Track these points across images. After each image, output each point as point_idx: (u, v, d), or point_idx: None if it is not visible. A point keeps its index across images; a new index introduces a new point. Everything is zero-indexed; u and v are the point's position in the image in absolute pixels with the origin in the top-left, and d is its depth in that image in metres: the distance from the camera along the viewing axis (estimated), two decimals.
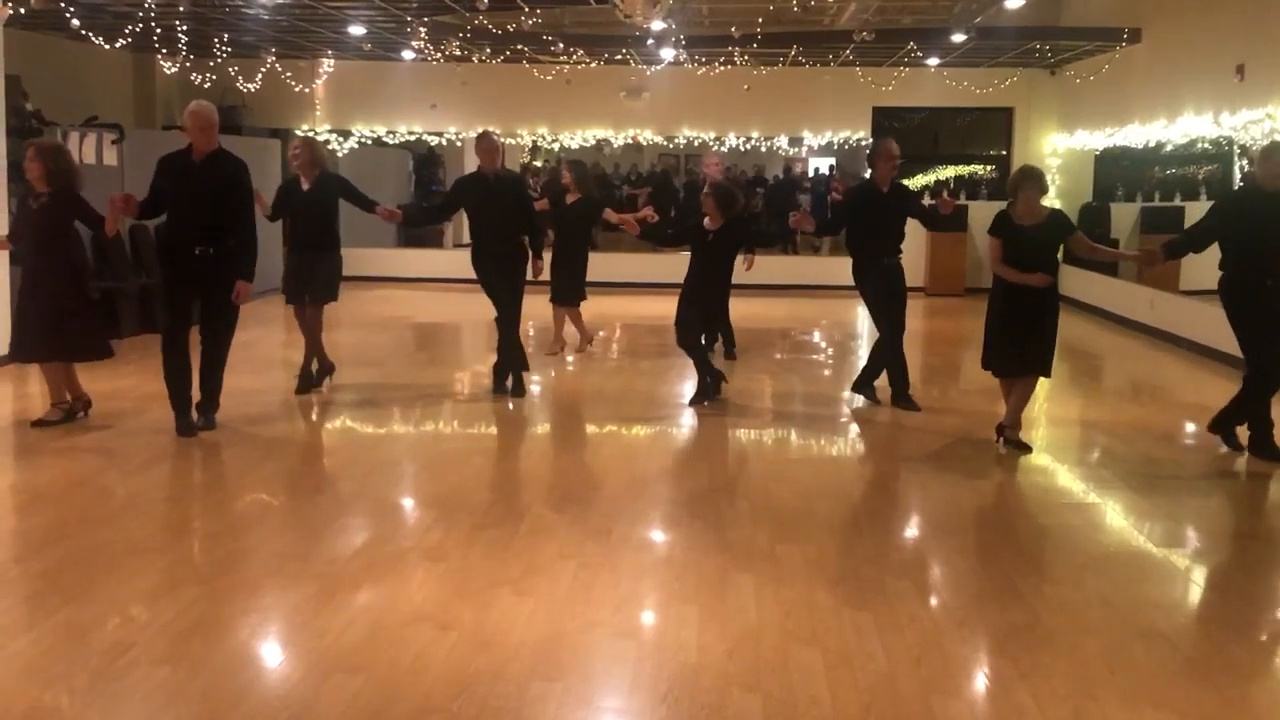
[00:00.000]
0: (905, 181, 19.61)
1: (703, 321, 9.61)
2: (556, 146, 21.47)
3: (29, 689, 4.16)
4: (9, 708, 4.02)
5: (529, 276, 9.74)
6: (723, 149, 20.96)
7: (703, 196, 9.49)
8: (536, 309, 11.57)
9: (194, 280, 8.07)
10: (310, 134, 19.46)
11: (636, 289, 16.26)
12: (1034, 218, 7.89)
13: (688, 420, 9.28)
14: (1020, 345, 7.92)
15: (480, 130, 10.03)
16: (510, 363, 9.75)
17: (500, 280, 9.56)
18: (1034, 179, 7.95)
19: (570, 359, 11.69)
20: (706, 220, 9.30)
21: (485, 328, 13.97)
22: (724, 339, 11.76)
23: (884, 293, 9.32)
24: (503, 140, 10.12)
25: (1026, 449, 8.04)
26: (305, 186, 9.55)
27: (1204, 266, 8.33)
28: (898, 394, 9.43)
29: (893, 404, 9.41)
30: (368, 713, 4.01)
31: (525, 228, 9.71)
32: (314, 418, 9.14)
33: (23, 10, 12.04)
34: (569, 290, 11.61)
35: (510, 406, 9.52)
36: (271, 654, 4.62)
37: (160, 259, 8.38)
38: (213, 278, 8.04)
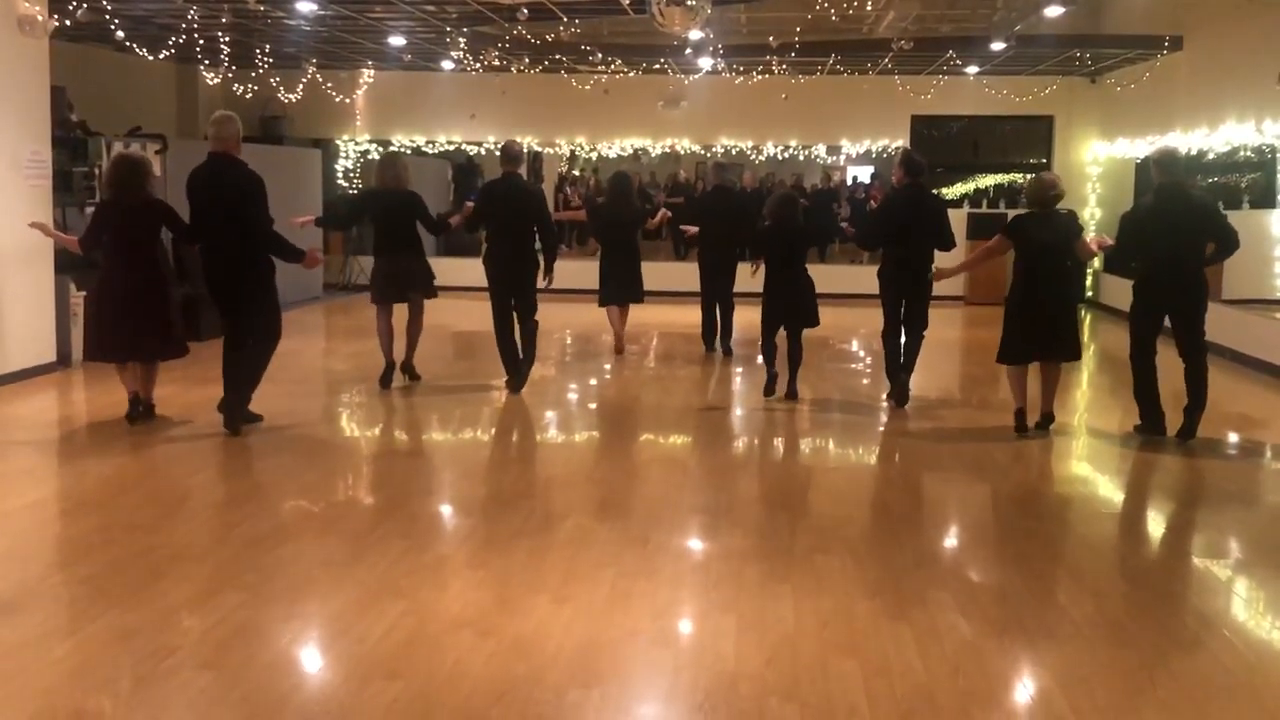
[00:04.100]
0: (945, 190, 19.56)
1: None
2: (594, 156, 21.51)
3: (74, 693, 4.21)
4: (54, 711, 4.07)
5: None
6: (760, 158, 20.96)
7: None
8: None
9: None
10: (348, 144, 19.74)
11: (670, 297, 16.23)
12: None
13: (725, 428, 9.29)
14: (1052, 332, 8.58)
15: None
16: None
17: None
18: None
19: (608, 365, 11.72)
20: (769, 223, 9.96)
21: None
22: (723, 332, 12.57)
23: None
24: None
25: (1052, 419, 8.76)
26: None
27: (1246, 275, 8.27)
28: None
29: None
30: (407, 719, 4.04)
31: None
32: (355, 425, 9.20)
33: (68, 22, 12.20)
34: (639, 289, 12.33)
35: (549, 415, 9.55)
36: (312, 660, 4.66)
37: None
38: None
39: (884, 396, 10.00)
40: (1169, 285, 8.42)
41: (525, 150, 12.34)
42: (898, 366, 9.79)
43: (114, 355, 8.67)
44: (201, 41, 15.89)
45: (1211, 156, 14.57)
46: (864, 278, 18.21)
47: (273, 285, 8.47)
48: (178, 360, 8.85)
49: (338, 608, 5.12)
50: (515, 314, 10.01)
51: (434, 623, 4.94)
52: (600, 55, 16.97)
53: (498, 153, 10.39)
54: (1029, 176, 9.28)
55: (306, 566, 5.71)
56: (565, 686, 4.29)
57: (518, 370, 10.08)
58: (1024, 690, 4.44)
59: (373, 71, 19.79)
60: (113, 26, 13.94)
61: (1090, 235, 9.11)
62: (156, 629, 4.80)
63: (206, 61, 18.42)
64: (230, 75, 18.98)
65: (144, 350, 8.57)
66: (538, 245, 10.15)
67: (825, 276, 18.74)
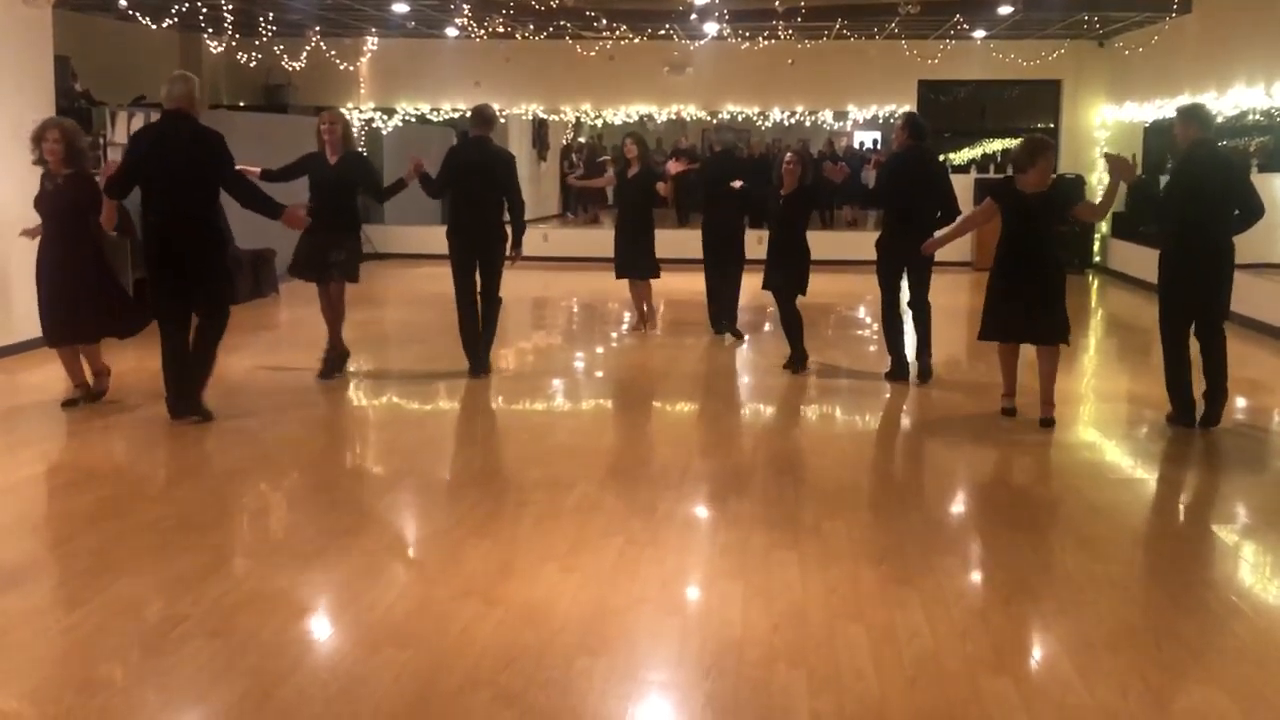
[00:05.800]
0: (951, 156, 19.42)
1: (798, 284, 9.81)
2: (600, 123, 21.41)
3: (84, 663, 4.23)
4: (65, 681, 4.09)
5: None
6: (767, 123, 20.88)
7: (786, 164, 9.68)
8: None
9: None
10: (352, 112, 19.56)
11: (676, 265, 16.21)
12: (1039, 187, 7.94)
13: (732, 396, 9.28)
14: (1028, 313, 7.94)
15: None
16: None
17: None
18: (1053, 149, 8.20)
19: (622, 334, 11.70)
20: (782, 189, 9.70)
21: (529, 304, 14.03)
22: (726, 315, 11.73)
23: None
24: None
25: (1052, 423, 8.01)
26: (332, 162, 9.19)
27: (1257, 241, 8.21)
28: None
29: None
30: (416, 685, 4.05)
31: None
32: (360, 396, 9.20)
33: None
34: (647, 264, 11.56)
35: (555, 384, 9.54)
36: (321, 628, 4.68)
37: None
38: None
39: (884, 374, 9.57)
40: (1198, 253, 7.87)
41: (514, 114, 11.43)
42: (900, 341, 9.53)
43: (58, 339, 8.21)
44: (205, 10, 15.81)
45: (1220, 120, 14.47)
46: (857, 244, 18.20)
47: (225, 252, 8.17)
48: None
49: (345, 576, 5.13)
50: (479, 292, 9.43)
51: (442, 591, 4.95)
52: (605, 21, 16.87)
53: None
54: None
55: (314, 535, 5.72)
56: (574, 653, 4.30)
57: (478, 356, 9.52)
58: (1031, 655, 4.45)
59: (376, 39, 19.70)
60: None
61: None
62: (165, 598, 4.82)
63: (210, 30, 18.34)
64: (234, 44, 18.88)
65: (90, 331, 8.18)
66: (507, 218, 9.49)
67: (826, 242, 18.74)
